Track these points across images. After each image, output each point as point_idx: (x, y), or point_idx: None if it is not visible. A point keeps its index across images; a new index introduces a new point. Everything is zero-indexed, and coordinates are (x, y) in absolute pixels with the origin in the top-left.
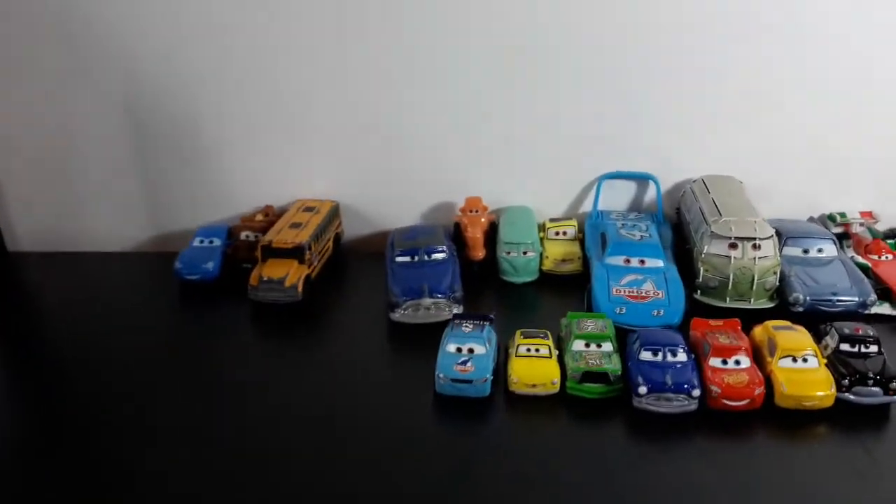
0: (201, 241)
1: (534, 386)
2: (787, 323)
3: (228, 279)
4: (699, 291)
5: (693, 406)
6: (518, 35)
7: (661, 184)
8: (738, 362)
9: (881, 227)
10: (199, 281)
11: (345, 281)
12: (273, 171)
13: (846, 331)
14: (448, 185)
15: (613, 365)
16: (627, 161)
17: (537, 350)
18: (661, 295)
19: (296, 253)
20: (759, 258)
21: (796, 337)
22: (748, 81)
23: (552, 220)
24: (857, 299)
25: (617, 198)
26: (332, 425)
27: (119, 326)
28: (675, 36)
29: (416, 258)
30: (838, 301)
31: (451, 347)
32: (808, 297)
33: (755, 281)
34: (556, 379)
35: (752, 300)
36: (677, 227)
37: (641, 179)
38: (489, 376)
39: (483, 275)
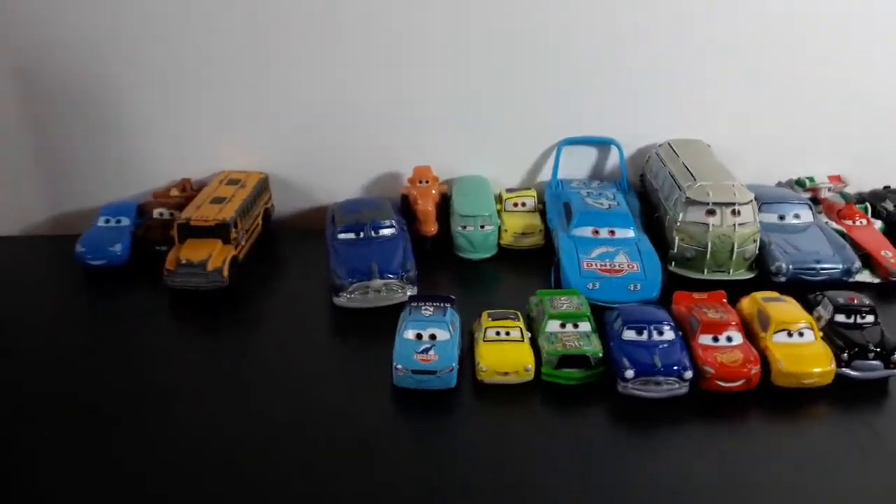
0: (107, 221)
1: (505, 374)
2: (776, 294)
3: (140, 264)
4: (674, 263)
5: (684, 389)
6: None
7: (624, 149)
8: (730, 339)
9: (850, 191)
10: (105, 266)
11: (278, 262)
12: (191, 140)
13: (840, 301)
14: (393, 154)
15: (593, 347)
16: (586, 126)
17: (507, 333)
18: (635, 268)
19: (219, 231)
20: (739, 225)
21: (789, 309)
22: (710, 43)
23: (509, 190)
24: (840, 266)
25: (577, 165)
26: (272, 435)
27: (12, 324)
28: None
29: (362, 234)
30: (822, 269)
31: (410, 334)
32: (790, 266)
33: (735, 250)
34: (530, 365)
35: (731, 270)
36: (642, 194)
37: (603, 145)
38: (455, 365)
39: (436, 251)
